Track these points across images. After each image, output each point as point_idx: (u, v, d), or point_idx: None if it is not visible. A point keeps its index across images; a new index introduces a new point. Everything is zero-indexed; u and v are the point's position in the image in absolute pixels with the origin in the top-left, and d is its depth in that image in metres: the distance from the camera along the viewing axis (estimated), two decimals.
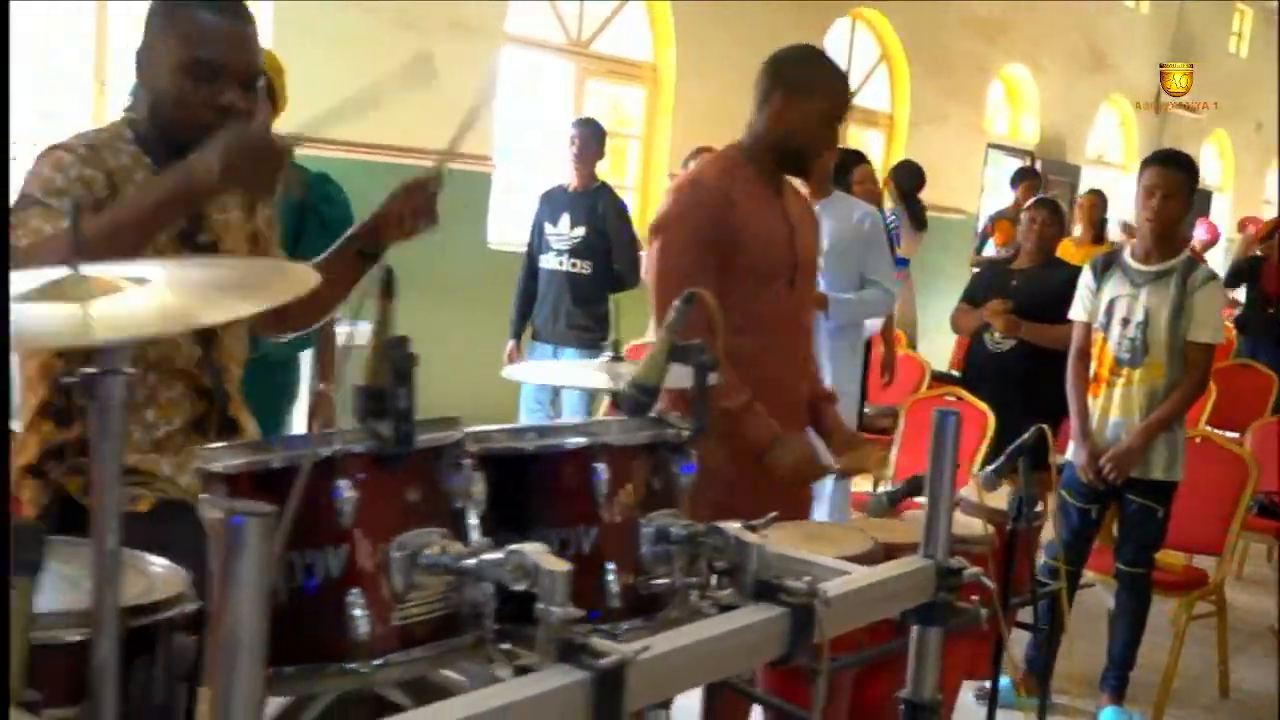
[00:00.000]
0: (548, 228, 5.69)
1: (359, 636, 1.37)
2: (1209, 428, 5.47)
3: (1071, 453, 4.22)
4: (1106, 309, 4.15)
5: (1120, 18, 14.07)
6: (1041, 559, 3.69)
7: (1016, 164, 11.78)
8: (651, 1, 8.76)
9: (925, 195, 8.38)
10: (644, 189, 8.86)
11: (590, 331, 5.57)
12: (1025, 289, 4.95)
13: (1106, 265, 4.22)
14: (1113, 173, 14.60)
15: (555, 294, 5.64)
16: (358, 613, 1.37)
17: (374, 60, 6.38)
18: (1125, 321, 4.10)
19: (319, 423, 3.75)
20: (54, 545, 1.45)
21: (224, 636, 1.04)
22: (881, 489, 4.29)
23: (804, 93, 2.83)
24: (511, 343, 5.79)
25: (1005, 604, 2.69)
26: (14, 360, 2.14)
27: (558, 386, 5.62)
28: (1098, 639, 4.36)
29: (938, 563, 1.87)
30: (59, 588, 1.43)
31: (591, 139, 5.70)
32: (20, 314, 1.29)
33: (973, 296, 5.19)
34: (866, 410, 5.69)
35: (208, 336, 2.13)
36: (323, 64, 5.96)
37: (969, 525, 2.82)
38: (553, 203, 5.75)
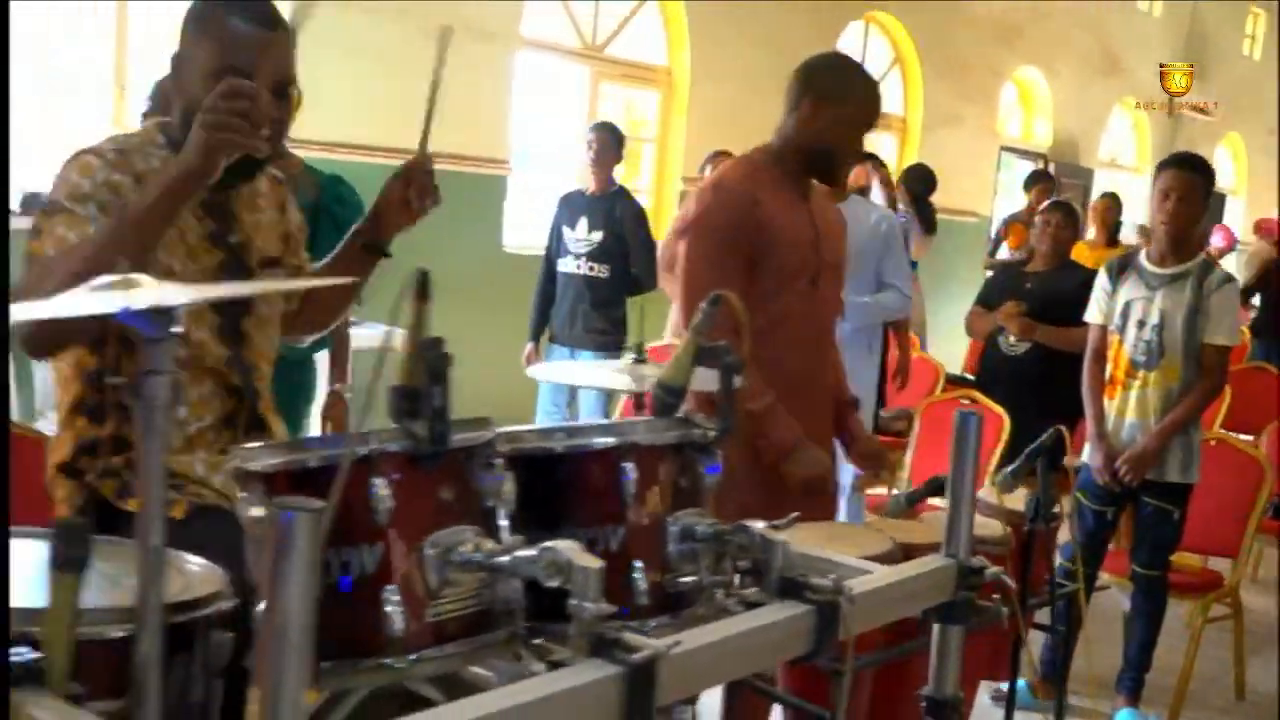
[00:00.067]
0: (566, 231, 5.72)
1: (394, 632, 1.40)
2: (1223, 431, 5.47)
3: (1087, 455, 4.23)
4: (1122, 311, 4.17)
5: (1133, 20, 14.06)
6: (1058, 561, 3.70)
7: (1029, 167, 11.79)
8: (666, 4, 8.78)
9: (938, 198, 8.38)
10: (658, 192, 8.88)
11: (607, 334, 5.60)
12: (1040, 292, 4.97)
13: (1122, 268, 4.23)
14: (1125, 175, 14.59)
15: (573, 297, 5.67)
16: (393, 609, 1.40)
17: (389, 64, 6.43)
18: (1141, 324, 4.11)
19: (331, 422, 3.78)
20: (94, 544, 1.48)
21: (274, 631, 1.06)
22: (896, 491, 4.30)
23: (835, 99, 2.86)
24: (530, 345, 5.82)
25: (1024, 605, 2.71)
26: (45, 364, 2.17)
27: (575, 388, 5.65)
28: (1113, 641, 4.37)
29: (960, 562, 1.89)
30: (99, 585, 1.46)
31: (609, 143, 5.73)
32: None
33: (987, 299, 5.21)
34: (881, 413, 5.70)
35: (237, 336, 2.15)
36: (338, 67, 6.02)
37: (987, 526, 2.84)
38: (571, 206, 5.78)
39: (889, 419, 5.90)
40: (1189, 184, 4.04)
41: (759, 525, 1.64)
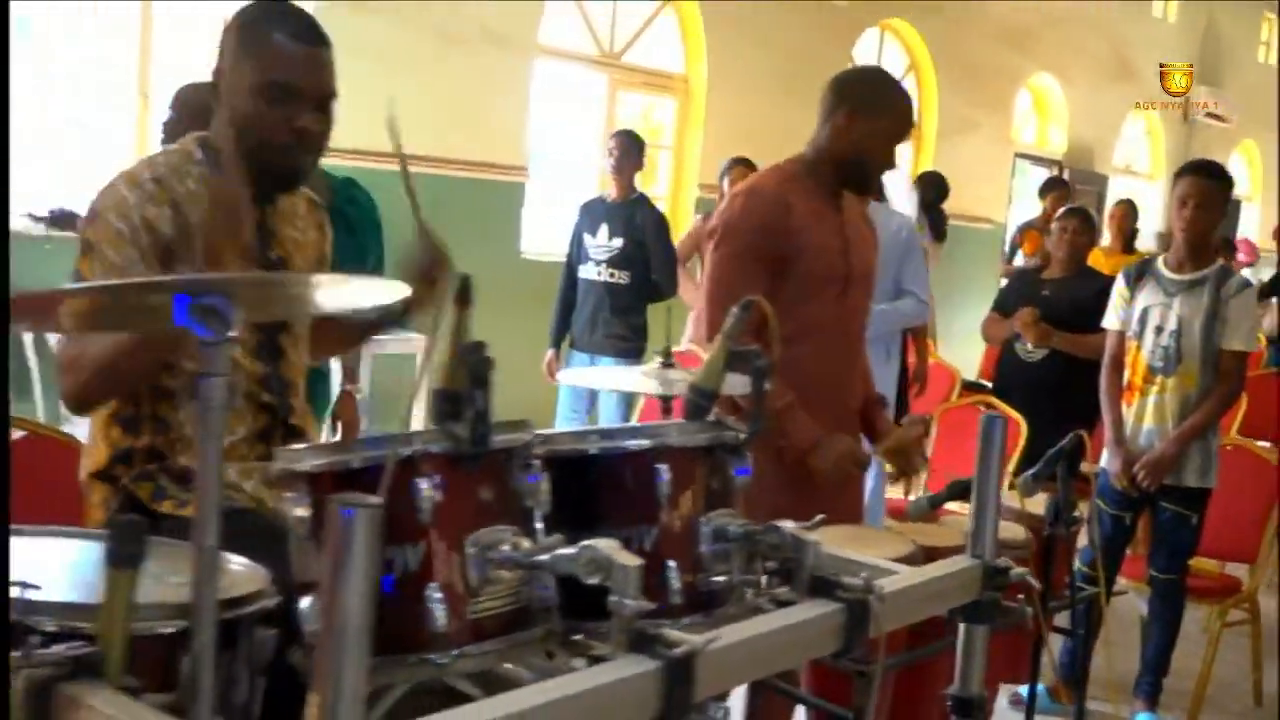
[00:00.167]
0: (587, 238, 5.75)
1: (436, 629, 1.43)
2: (1240, 436, 5.48)
3: (1105, 460, 4.25)
4: (1140, 317, 4.19)
5: (1148, 27, 14.05)
6: (1076, 565, 3.72)
7: (1044, 174, 11.80)
8: (682, 9, 8.82)
9: (953, 205, 8.40)
10: (675, 200, 8.92)
11: (627, 341, 5.63)
12: (1056, 298, 4.98)
13: (1139, 274, 4.25)
14: (1140, 182, 14.58)
15: (593, 304, 5.70)
16: (435, 606, 1.43)
17: (410, 70, 6.47)
18: (1159, 330, 4.14)
19: (343, 422, 3.81)
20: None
21: (333, 628, 1.08)
22: (916, 495, 4.32)
23: (868, 111, 2.89)
24: (551, 351, 5.84)
25: (1045, 608, 2.73)
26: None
27: (595, 393, 5.69)
28: (1131, 645, 4.39)
29: (985, 563, 1.92)
30: (145, 582, 1.49)
31: (630, 150, 5.76)
32: None
33: (1003, 306, 5.23)
34: (901, 420, 5.71)
35: (275, 352, 2.18)
36: (359, 73, 6.05)
37: (1008, 530, 2.86)
38: (592, 214, 5.81)
39: (906, 425, 5.90)
40: (1207, 191, 4.07)
41: (790, 525, 1.67)
